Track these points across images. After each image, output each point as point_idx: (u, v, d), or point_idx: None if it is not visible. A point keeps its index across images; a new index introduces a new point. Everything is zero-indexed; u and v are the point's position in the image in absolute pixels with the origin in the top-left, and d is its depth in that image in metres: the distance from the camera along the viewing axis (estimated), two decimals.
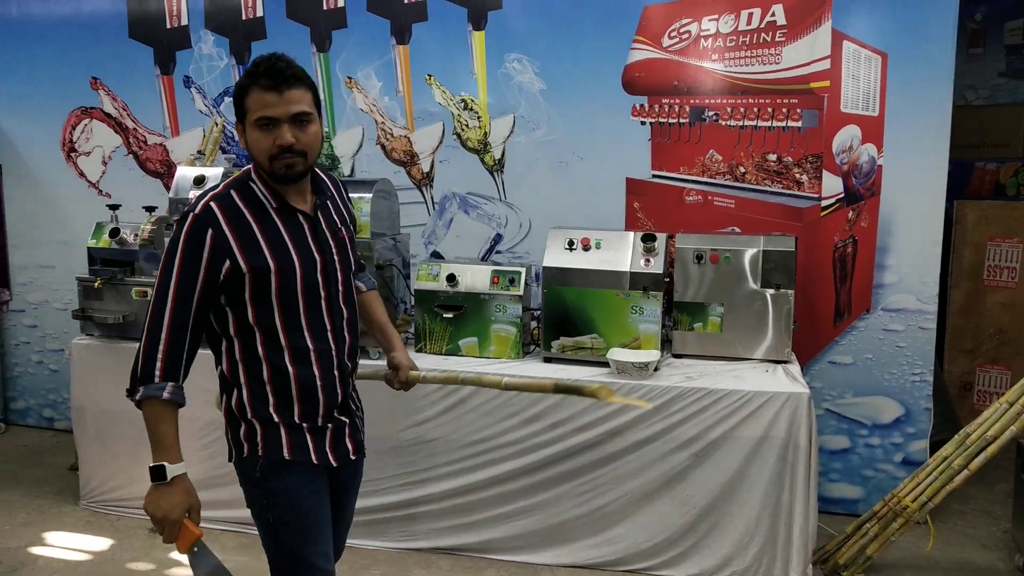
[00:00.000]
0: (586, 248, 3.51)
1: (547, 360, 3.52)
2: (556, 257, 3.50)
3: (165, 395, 1.90)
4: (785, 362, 3.48)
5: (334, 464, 2.10)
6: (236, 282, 1.93)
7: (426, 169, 4.19)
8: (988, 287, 4.94)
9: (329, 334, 2.06)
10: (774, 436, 3.11)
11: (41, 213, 4.74)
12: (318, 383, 2.04)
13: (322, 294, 2.03)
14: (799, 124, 3.76)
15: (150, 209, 3.85)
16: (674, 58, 3.86)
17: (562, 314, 3.48)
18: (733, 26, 3.78)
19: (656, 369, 3.36)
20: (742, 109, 3.82)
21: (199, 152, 4.18)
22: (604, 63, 3.92)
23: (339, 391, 2.10)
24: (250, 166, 2.01)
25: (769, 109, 3.78)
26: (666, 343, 3.64)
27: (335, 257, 2.07)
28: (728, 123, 3.84)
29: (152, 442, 1.93)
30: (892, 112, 3.69)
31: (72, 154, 4.70)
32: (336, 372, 2.09)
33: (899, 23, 3.63)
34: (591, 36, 3.92)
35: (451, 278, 3.54)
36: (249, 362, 2.01)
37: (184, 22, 4.39)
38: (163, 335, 1.90)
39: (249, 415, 2.01)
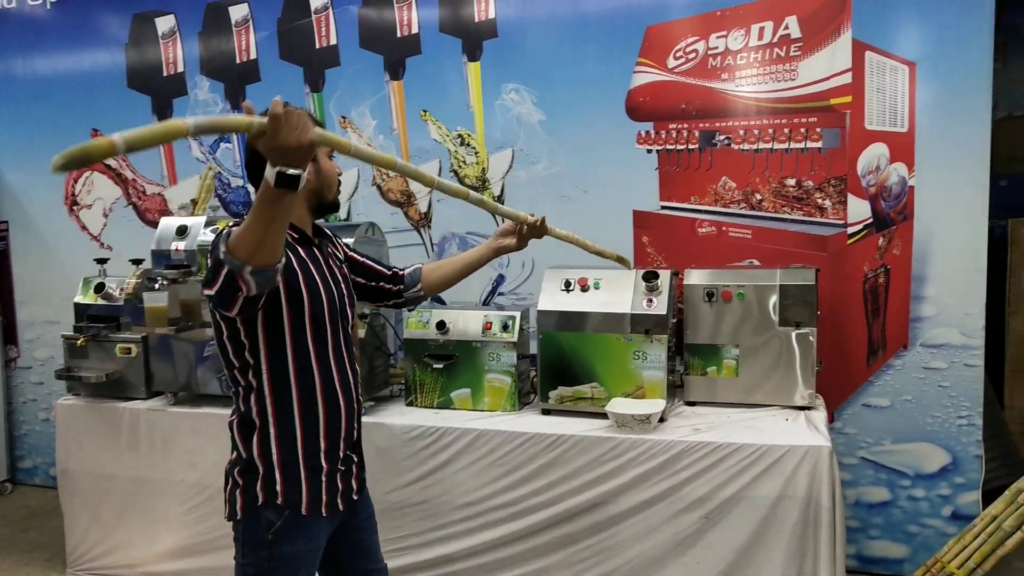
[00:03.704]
0: (584, 289, 3.23)
1: (545, 412, 3.24)
2: (552, 299, 3.24)
3: None
4: (809, 408, 3.14)
5: (342, 510, 2.05)
6: (274, 304, 1.87)
7: (424, 209, 3.99)
8: None
9: (347, 363, 2.05)
10: (793, 495, 2.77)
11: (46, 268, 4.69)
12: (342, 414, 2.02)
13: (340, 324, 2.03)
14: (819, 145, 3.44)
15: (137, 262, 3.72)
16: (681, 79, 3.58)
17: (560, 362, 3.20)
18: (743, 42, 3.49)
19: (662, 420, 3.06)
20: (756, 131, 3.51)
21: (191, 201, 4.06)
22: (606, 89, 3.67)
23: (356, 425, 2.10)
24: None
25: (786, 130, 3.47)
26: (678, 389, 3.34)
27: (344, 289, 2.08)
28: (741, 147, 3.54)
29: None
30: (923, 127, 3.34)
31: (75, 207, 4.65)
32: (355, 404, 2.08)
33: (927, 29, 3.30)
34: (591, 60, 3.68)
35: (441, 325, 3.30)
36: (279, 396, 1.93)
37: (180, 69, 4.31)
38: None
39: (274, 457, 1.93)
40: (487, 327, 3.29)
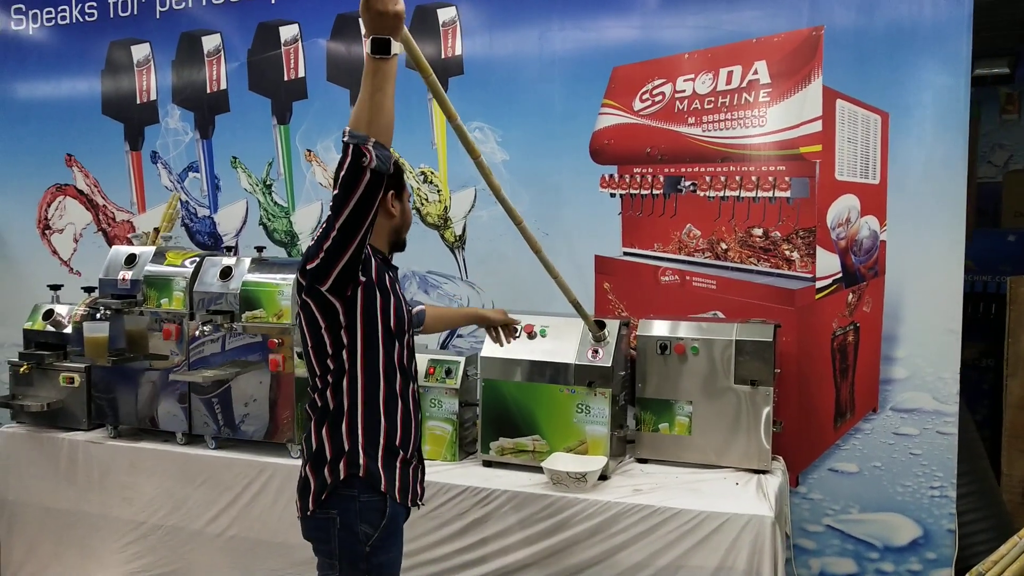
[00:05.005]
0: (531, 336, 3.10)
1: (487, 464, 3.10)
2: (496, 346, 3.09)
3: None
4: (764, 471, 2.96)
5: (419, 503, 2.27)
6: (369, 296, 2.06)
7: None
8: None
9: (415, 372, 2.29)
10: (732, 567, 2.59)
11: (16, 291, 4.63)
12: (413, 415, 2.21)
13: (409, 338, 2.24)
14: (788, 194, 3.29)
15: (89, 290, 3.66)
16: (646, 123, 3.46)
17: (502, 411, 3.07)
18: (711, 86, 3.37)
19: (605, 478, 2.90)
20: (723, 178, 3.37)
21: (154, 229, 4.01)
22: (571, 130, 3.55)
23: (420, 431, 2.30)
24: None
25: (753, 178, 3.33)
26: (631, 444, 3.18)
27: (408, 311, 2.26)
28: (707, 194, 3.40)
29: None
30: (896, 180, 3.18)
31: (47, 231, 4.62)
32: (419, 410, 2.28)
33: (901, 79, 3.15)
34: (557, 101, 3.57)
35: None
36: (369, 388, 2.08)
37: (153, 97, 4.28)
38: None
39: (360, 446, 2.07)
40: (430, 372, 3.17)
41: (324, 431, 2.08)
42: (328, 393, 2.08)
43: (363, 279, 2.03)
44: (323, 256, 1.93)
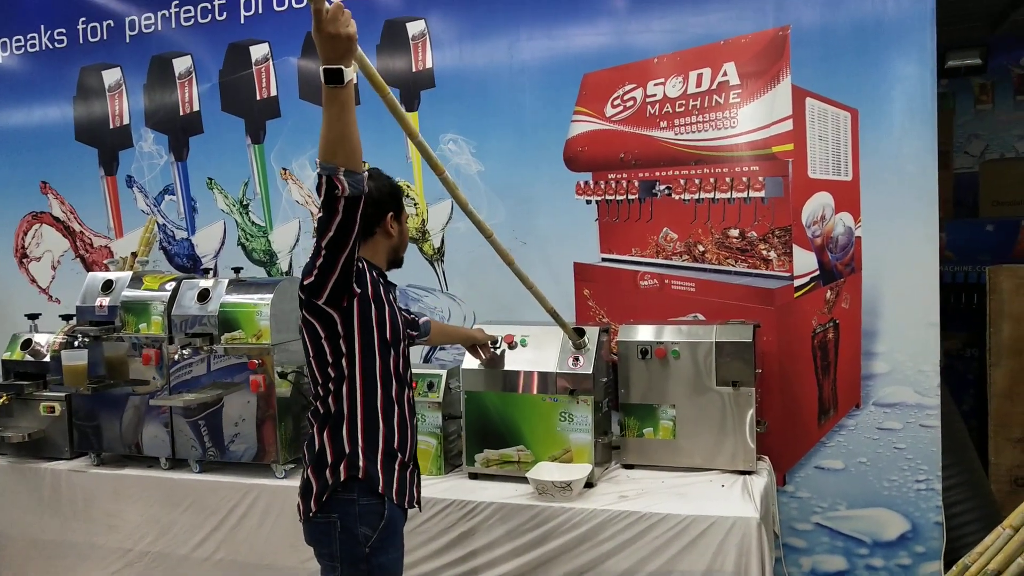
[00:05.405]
0: (511, 346, 3.10)
1: (472, 476, 3.09)
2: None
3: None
4: (750, 472, 2.96)
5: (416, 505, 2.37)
6: (364, 311, 2.17)
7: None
8: None
9: (411, 382, 2.42)
10: (721, 570, 2.59)
11: None
12: (408, 422, 2.31)
13: (405, 349, 2.36)
14: (762, 194, 3.30)
15: (67, 317, 3.64)
16: (619, 128, 3.47)
17: (486, 423, 3.06)
18: (681, 89, 3.38)
19: (591, 485, 2.89)
20: (697, 180, 3.38)
21: (131, 254, 3.99)
22: (545, 139, 3.56)
23: (416, 438, 2.41)
24: None
25: (727, 179, 3.34)
26: (615, 450, 3.18)
27: (403, 324, 2.36)
28: (682, 197, 3.41)
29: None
30: (868, 175, 3.20)
31: (24, 260, 4.59)
32: (415, 419, 2.41)
33: (868, 74, 3.16)
34: (529, 110, 3.58)
35: None
36: (367, 386, 2.19)
37: (126, 121, 4.27)
38: None
39: (360, 449, 2.16)
40: (412, 386, 3.15)
41: (326, 435, 2.18)
42: (329, 399, 2.18)
43: (359, 291, 2.14)
44: (317, 273, 2.04)
